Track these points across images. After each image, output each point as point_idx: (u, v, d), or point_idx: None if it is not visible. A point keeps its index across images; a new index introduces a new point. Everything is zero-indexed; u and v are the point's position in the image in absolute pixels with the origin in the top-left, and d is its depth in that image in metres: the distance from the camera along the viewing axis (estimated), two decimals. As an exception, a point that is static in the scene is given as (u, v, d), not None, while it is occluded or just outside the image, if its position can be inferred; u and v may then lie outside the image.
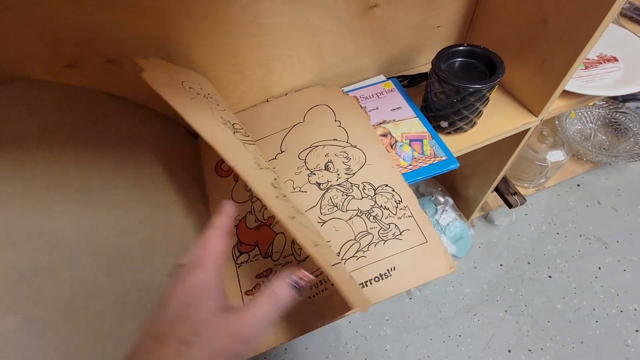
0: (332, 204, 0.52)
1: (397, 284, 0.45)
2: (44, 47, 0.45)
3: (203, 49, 0.54)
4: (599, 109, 1.24)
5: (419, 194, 1.12)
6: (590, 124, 1.24)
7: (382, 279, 0.46)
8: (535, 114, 0.67)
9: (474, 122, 0.64)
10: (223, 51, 0.56)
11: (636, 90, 0.69)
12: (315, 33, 0.61)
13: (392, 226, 0.49)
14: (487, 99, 0.59)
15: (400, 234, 0.49)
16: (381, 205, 0.51)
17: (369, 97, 0.67)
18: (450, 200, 1.07)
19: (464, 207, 1.09)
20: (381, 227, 0.49)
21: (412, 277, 0.46)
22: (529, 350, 0.95)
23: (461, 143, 0.65)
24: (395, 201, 0.52)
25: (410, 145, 0.60)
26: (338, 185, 0.54)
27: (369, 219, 0.50)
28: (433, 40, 0.74)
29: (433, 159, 0.58)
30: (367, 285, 0.45)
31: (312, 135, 0.59)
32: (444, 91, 0.57)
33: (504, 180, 1.02)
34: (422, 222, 0.50)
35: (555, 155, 1.04)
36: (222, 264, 0.33)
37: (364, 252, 0.48)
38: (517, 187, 1.03)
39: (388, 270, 0.46)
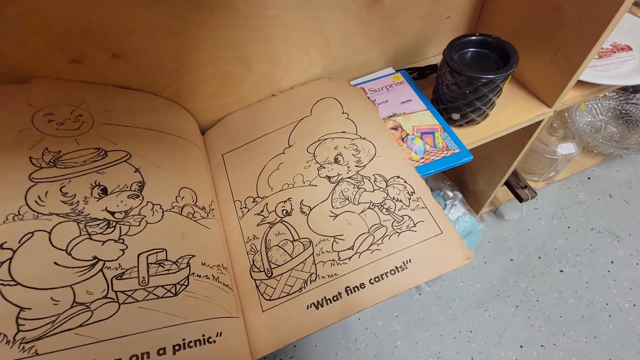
0: (343, 197, 0.51)
1: (413, 277, 0.44)
2: (48, 42, 0.44)
3: (210, 42, 0.53)
4: (609, 101, 1.22)
5: (428, 189, 1.10)
6: (600, 116, 1.22)
7: (398, 271, 0.45)
8: (549, 104, 0.66)
9: (486, 114, 0.63)
10: (229, 44, 0.55)
11: (652, 79, 0.67)
12: (323, 25, 0.60)
13: (406, 218, 0.48)
14: (500, 89, 0.57)
15: (415, 226, 0.48)
16: (394, 197, 0.50)
17: (378, 90, 0.66)
18: (459, 195, 1.05)
19: (473, 201, 1.08)
20: (394, 220, 0.48)
21: (428, 269, 0.45)
22: (542, 346, 0.93)
23: (473, 135, 0.64)
24: (408, 192, 0.51)
25: (421, 138, 0.59)
26: (349, 178, 0.53)
27: (381, 211, 0.49)
28: (442, 31, 0.72)
29: (446, 152, 0.57)
30: (383, 279, 0.44)
31: (320, 128, 0.58)
32: (456, 82, 0.56)
33: (514, 173, 1.00)
34: (436, 213, 0.49)
35: (566, 148, 1.03)
36: None
37: (378, 245, 0.47)
38: (527, 181, 1.01)
39: (404, 262, 0.45)
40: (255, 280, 0.48)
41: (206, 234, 0.49)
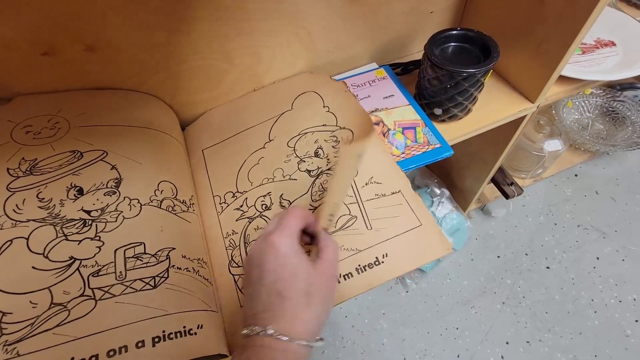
0: (322, 190, 0.51)
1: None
2: (19, 33, 0.43)
3: (190, 35, 0.52)
4: (596, 98, 1.22)
5: (415, 186, 1.10)
6: (587, 113, 1.22)
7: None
8: (532, 100, 0.66)
9: (469, 109, 0.63)
10: (210, 38, 0.54)
11: (635, 74, 0.67)
12: (306, 19, 0.59)
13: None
14: (482, 84, 0.57)
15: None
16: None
17: (360, 85, 0.65)
18: (447, 192, 1.05)
19: (460, 198, 1.08)
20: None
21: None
22: (527, 342, 0.94)
23: (456, 131, 0.63)
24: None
25: (403, 134, 0.58)
26: (328, 170, 0.52)
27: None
28: (426, 26, 0.72)
29: (426, 147, 0.56)
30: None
31: (300, 122, 0.58)
32: (437, 77, 0.56)
33: (501, 170, 1.00)
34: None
35: (553, 145, 1.03)
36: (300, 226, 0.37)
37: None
38: (514, 178, 1.02)
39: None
40: (233, 275, 0.48)
41: (186, 227, 0.49)
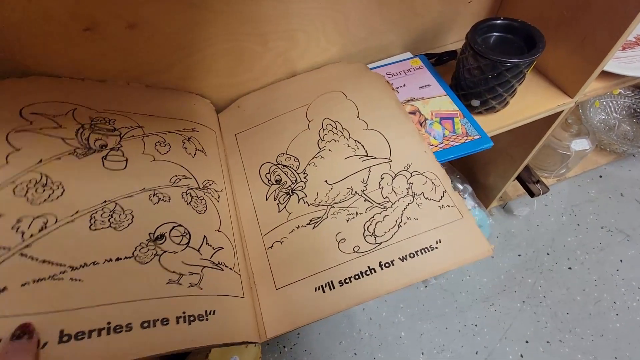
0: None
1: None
2: (62, 7, 0.43)
3: (227, 15, 0.52)
4: (624, 99, 1.20)
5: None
6: (614, 114, 1.20)
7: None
8: (571, 95, 0.64)
9: (507, 102, 0.61)
10: (246, 19, 0.54)
11: (678, 72, 0.65)
12: (343, 2, 0.58)
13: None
14: (524, 75, 0.56)
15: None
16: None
17: (396, 74, 0.64)
18: (469, 188, 1.04)
19: (482, 195, 1.06)
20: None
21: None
22: (547, 342, 0.92)
23: (492, 124, 0.62)
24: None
25: (440, 124, 0.57)
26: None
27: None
28: (462, 16, 0.71)
29: (465, 138, 0.55)
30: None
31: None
32: (479, 66, 0.54)
33: (527, 168, 0.99)
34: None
35: (580, 144, 1.01)
36: None
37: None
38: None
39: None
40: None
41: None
